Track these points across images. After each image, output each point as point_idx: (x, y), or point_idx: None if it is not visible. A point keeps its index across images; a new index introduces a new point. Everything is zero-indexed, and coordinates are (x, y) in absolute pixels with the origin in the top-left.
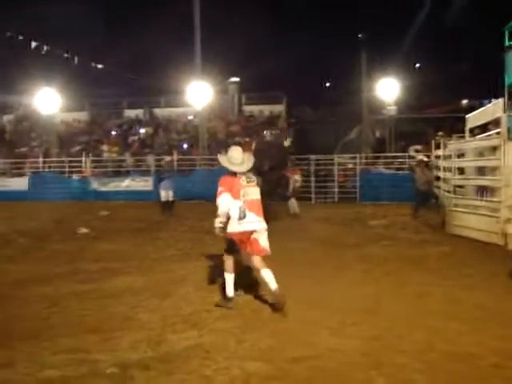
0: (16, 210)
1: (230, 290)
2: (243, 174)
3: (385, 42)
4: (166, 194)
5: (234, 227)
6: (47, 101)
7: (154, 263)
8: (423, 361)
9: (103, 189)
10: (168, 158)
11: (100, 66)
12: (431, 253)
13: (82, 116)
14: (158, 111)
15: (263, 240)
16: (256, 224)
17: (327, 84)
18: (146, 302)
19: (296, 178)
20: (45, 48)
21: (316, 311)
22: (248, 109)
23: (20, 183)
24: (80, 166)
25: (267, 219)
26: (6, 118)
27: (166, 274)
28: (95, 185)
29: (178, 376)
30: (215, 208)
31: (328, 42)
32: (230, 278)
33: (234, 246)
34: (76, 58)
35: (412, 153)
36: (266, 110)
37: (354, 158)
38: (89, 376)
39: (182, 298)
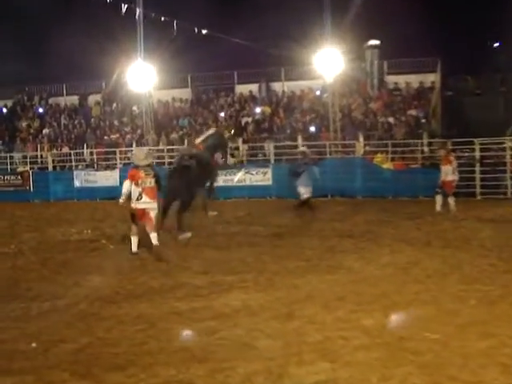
0: (103, 209)
1: (133, 247)
2: (144, 167)
3: None
4: (305, 191)
5: (133, 205)
6: (141, 76)
7: (274, 277)
8: None
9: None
10: (303, 148)
11: (204, 32)
12: None
13: (184, 94)
14: (276, 86)
15: (153, 215)
16: (147, 204)
17: (495, 44)
18: (265, 324)
19: (449, 168)
20: (137, 11)
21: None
22: (391, 79)
23: (109, 177)
24: None
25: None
26: (92, 98)
27: (288, 291)
28: None
29: None
30: (352, 205)
31: None
32: (133, 239)
33: (135, 216)
34: (175, 23)
35: None
36: (415, 80)
37: None
38: None
39: (309, 320)
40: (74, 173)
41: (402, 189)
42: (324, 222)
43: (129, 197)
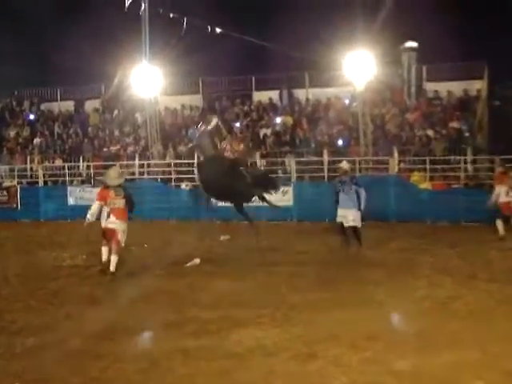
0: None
1: (104, 257)
2: (114, 187)
3: None
4: (344, 215)
5: (102, 223)
6: (146, 80)
7: (294, 311)
8: None
9: (225, 204)
10: (342, 164)
11: (218, 30)
12: None
13: (194, 101)
14: (300, 93)
15: (120, 236)
16: (114, 224)
17: None
18: (283, 366)
19: (503, 188)
20: (142, 6)
21: None
22: (431, 87)
23: None
24: (191, 172)
25: None
26: (90, 104)
27: (310, 327)
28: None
29: None
30: (385, 230)
31: None
32: (104, 250)
33: (105, 234)
34: (184, 20)
35: None
36: (458, 88)
37: None
38: None
39: (333, 361)
40: (68, 189)
41: (442, 212)
42: (352, 249)
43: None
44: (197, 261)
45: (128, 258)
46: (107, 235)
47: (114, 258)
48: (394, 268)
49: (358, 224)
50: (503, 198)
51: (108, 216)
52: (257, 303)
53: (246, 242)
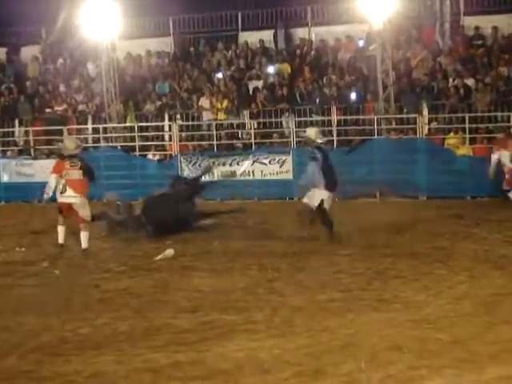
0: (44, 216)
1: (60, 239)
2: (70, 158)
3: None
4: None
5: (58, 198)
6: (100, 20)
7: (296, 315)
8: None
9: (205, 178)
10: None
11: None
12: None
13: (163, 45)
14: (300, 33)
15: (82, 211)
16: (72, 198)
17: None
18: None
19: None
20: None
21: None
22: (471, 23)
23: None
24: (160, 138)
25: None
26: (27, 51)
27: (317, 336)
28: (187, 170)
29: None
30: (412, 209)
31: None
32: (60, 229)
33: (61, 210)
34: None
35: None
36: (507, 23)
37: None
38: None
39: (348, 380)
40: (1, 162)
41: (486, 185)
42: (370, 233)
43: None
44: (169, 252)
45: (78, 251)
46: (64, 211)
47: (84, 235)
48: (424, 258)
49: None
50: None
51: (64, 189)
52: (248, 305)
53: (234, 227)
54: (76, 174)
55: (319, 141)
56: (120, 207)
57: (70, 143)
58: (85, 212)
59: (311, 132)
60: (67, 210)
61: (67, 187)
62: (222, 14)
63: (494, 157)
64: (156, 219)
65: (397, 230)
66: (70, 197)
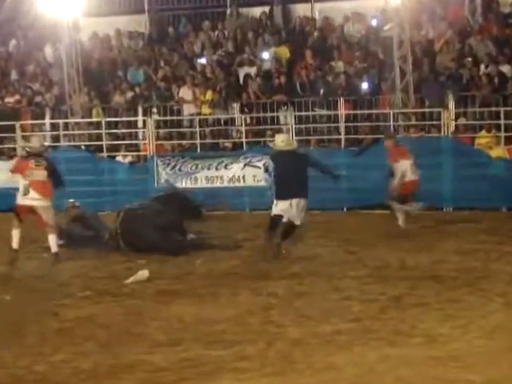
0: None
1: (14, 244)
2: (35, 157)
3: None
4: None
5: (18, 200)
6: None
7: (294, 349)
8: None
9: (183, 184)
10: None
11: None
12: None
13: (136, 24)
14: (300, 9)
15: (45, 216)
16: (36, 201)
17: None
18: None
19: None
20: None
21: None
22: None
23: (3, 171)
24: (133, 136)
25: None
26: None
27: (320, 375)
28: (164, 175)
29: None
30: (435, 222)
31: None
32: (15, 233)
33: (20, 212)
34: None
35: None
36: None
37: None
38: None
39: None
40: None
41: None
42: (384, 251)
43: None
44: (143, 274)
45: (31, 273)
46: (22, 214)
47: (52, 238)
48: (450, 281)
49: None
50: (410, 176)
51: (27, 191)
52: (237, 338)
53: (220, 243)
54: (41, 174)
55: (288, 148)
56: (87, 219)
57: (35, 141)
58: (49, 216)
59: (278, 139)
60: (26, 213)
61: (30, 189)
62: None
63: (403, 167)
64: (135, 236)
65: (416, 248)
66: (34, 199)
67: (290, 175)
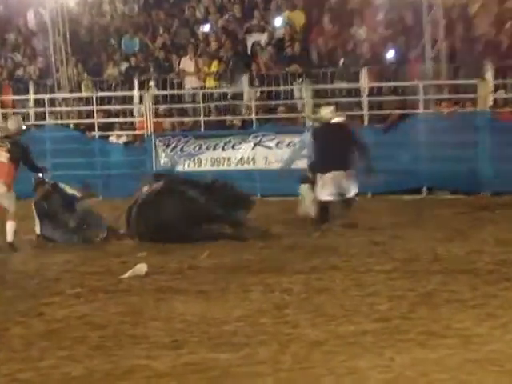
0: None
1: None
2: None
3: None
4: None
5: None
6: None
7: (312, 352)
8: None
9: (185, 167)
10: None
11: None
12: None
13: None
14: None
15: (6, 201)
16: None
17: None
18: None
19: None
20: None
21: None
22: None
23: None
24: (128, 113)
25: None
26: None
27: (342, 381)
28: (164, 157)
29: None
30: (472, 209)
31: None
32: None
33: None
34: None
35: None
36: None
37: None
38: None
39: None
40: None
41: None
42: (414, 241)
43: None
44: (141, 268)
45: (13, 268)
46: None
47: (10, 225)
48: (487, 275)
49: None
50: None
51: None
52: (248, 340)
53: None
54: (2, 156)
55: (338, 119)
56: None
57: (11, 124)
58: (9, 203)
59: (326, 111)
60: None
61: None
62: None
63: None
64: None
65: (449, 238)
66: None
67: (337, 148)
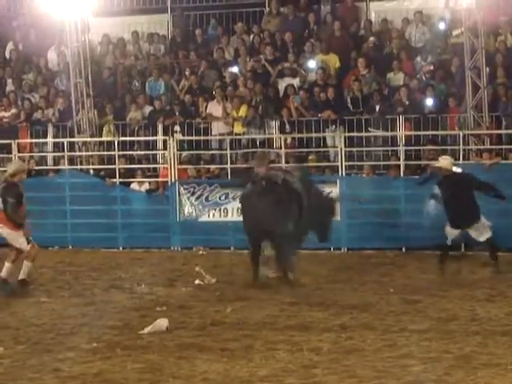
0: None
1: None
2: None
3: None
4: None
5: None
6: None
7: None
8: None
9: (210, 217)
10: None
11: None
12: None
13: (156, 25)
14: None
15: (14, 242)
16: None
17: None
18: None
19: None
20: None
21: None
22: None
23: None
24: (152, 159)
25: None
26: None
27: None
28: (188, 207)
29: None
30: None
31: None
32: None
33: None
34: None
35: None
36: None
37: None
38: None
39: None
40: None
41: None
42: (450, 300)
43: None
44: (162, 323)
45: (28, 320)
46: None
47: (27, 265)
48: None
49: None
50: None
51: None
52: None
53: (253, 286)
54: None
55: (457, 170)
56: None
57: (11, 167)
58: (18, 241)
59: (447, 162)
60: None
61: None
62: None
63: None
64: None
65: (488, 297)
66: None
67: (459, 200)
